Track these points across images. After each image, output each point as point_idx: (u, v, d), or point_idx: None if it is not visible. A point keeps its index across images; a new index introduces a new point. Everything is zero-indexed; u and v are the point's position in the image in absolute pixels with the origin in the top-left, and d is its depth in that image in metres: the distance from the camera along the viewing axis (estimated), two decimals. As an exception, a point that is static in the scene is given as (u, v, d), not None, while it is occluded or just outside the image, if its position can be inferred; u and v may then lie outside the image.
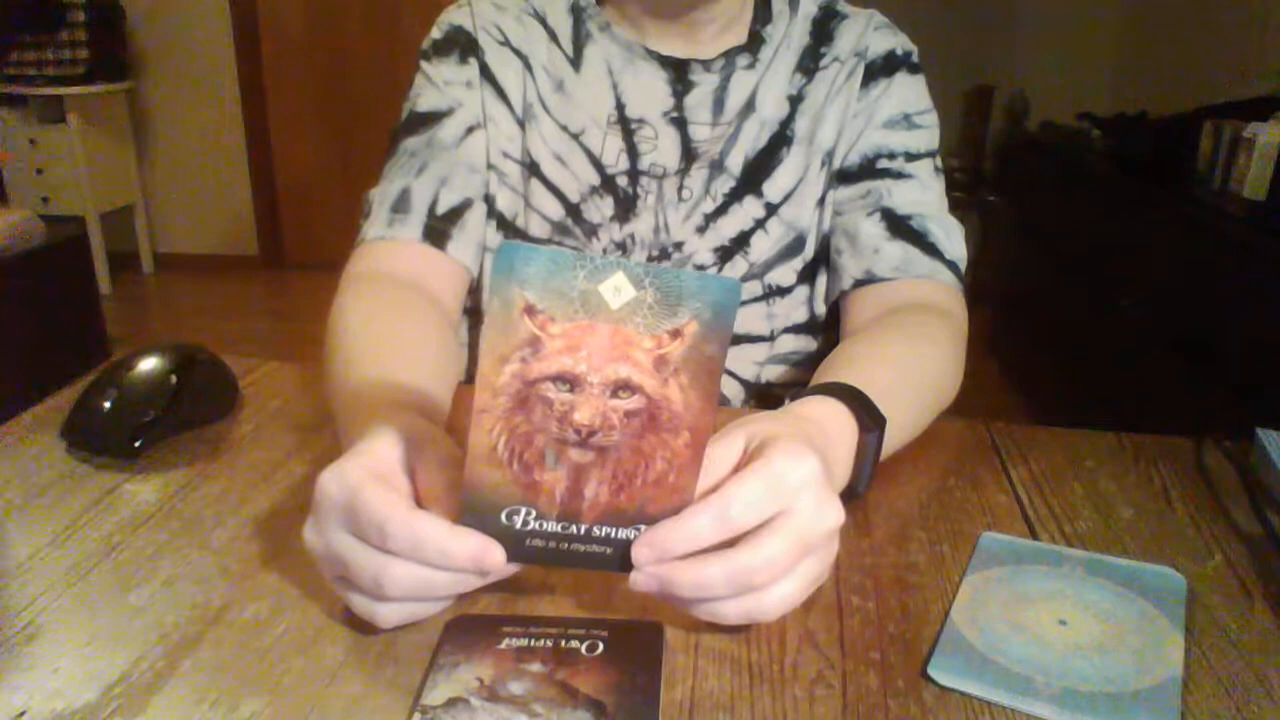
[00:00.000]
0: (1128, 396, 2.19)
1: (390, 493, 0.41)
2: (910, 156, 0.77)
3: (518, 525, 0.42)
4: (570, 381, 0.39)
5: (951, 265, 0.75)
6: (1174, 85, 2.97)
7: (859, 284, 0.75)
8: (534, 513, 0.42)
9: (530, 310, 0.38)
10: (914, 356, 0.64)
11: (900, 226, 0.75)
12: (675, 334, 0.39)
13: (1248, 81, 2.46)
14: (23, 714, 0.38)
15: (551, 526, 0.42)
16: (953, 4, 3.53)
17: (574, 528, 0.42)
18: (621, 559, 0.43)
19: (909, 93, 0.79)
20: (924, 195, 0.77)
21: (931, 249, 0.75)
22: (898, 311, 0.71)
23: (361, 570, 0.41)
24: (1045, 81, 3.55)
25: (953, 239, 0.76)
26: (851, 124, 0.78)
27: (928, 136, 0.78)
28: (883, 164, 0.77)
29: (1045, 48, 3.62)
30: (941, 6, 3.49)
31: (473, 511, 0.41)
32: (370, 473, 0.42)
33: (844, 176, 0.78)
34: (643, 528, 0.42)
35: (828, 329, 0.82)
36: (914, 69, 0.79)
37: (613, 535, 0.43)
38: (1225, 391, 1.78)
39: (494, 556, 0.41)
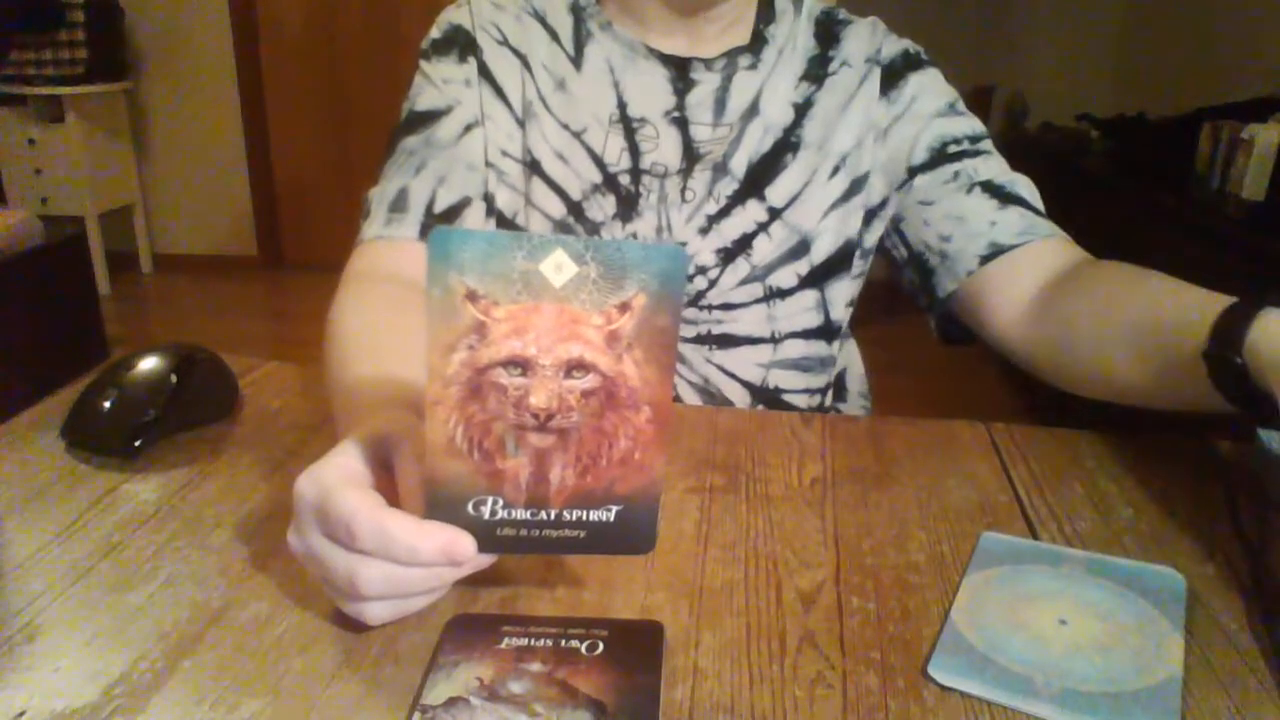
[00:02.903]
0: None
1: (359, 492, 0.41)
2: (973, 139, 0.78)
3: (485, 515, 0.41)
4: (522, 365, 0.39)
5: (1054, 223, 0.76)
6: (1173, 86, 2.97)
7: (986, 260, 0.74)
8: (500, 501, 0.41)
9: (472, 296, 0.37)
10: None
11: (1004, 195, 0.76)
12: (624, 308, 0.38)
13: (1246, 82, 2.46)
14: (23, 714, 0.38)
15: (520, 514, 0.42)
16: (952, 4, 3.54)
17: (544, 513, 0.42)
18: (596, 541, 0.42)
19: (938, 85, 0.80)
20: (1006, 168, 0.78)
21: (1037, 211, 0.76)
22: (1082, 265, 0.70)
23: (336, 571, 0.41)
24: (1044, 82, 3.55)
25: (1040, 201, 0.77)
26: (897, 128, 0.78)
27: (976, 122, 0.80)
28: (953, 149, 0.77)
29: (1045, 48, 3.62)
30: (941, 7, 3.50)
31: (438, 505, 0.41)
32: (343, 474, 0.42)
33: (917, 170, 0.78)
34: (614, 508, 0.42)
35: (855, 329, 0.82)
36: (931, 64, 0.81)
37: (584, 518, 0.42)
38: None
39: (463, 547, 0.40)
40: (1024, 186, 0.77)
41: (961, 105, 0.80)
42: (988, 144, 0.79)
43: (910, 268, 0.81)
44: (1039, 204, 0.77)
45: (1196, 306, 0.54)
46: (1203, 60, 2.94)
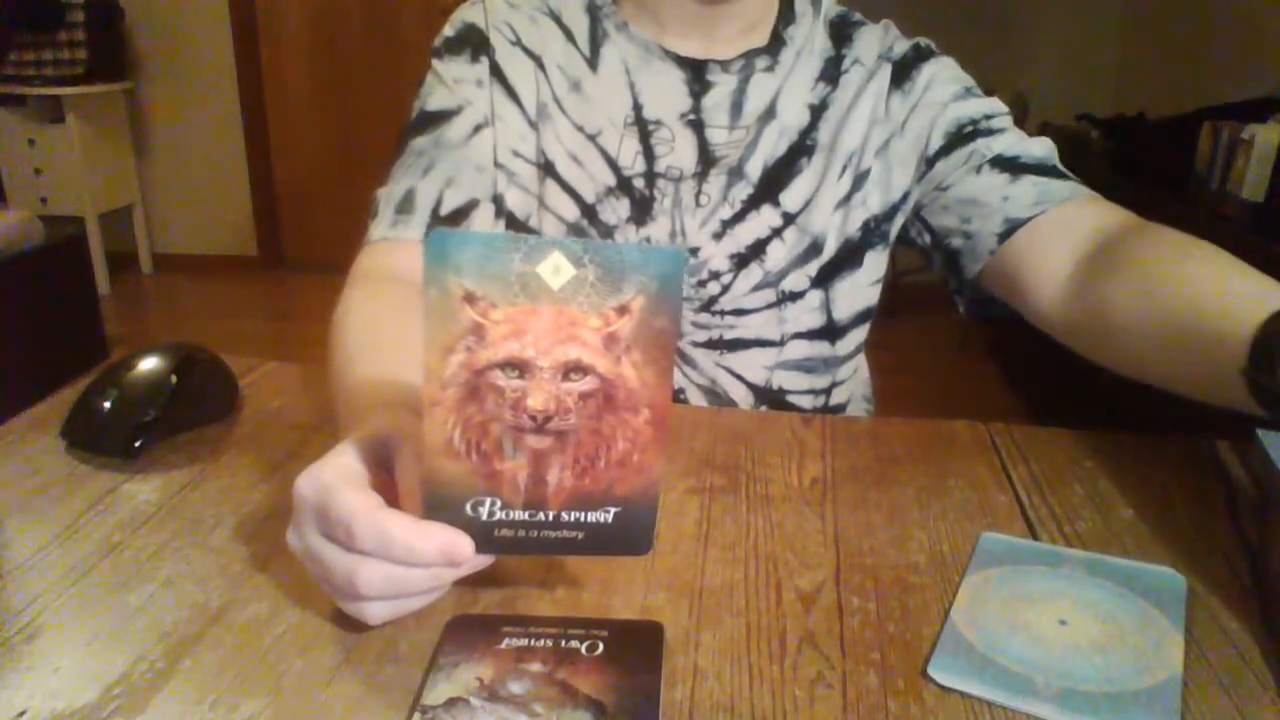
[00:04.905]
0: (1128, 396, 2.19)
1: (359, 493, 0.41)
2: (989, 117, 0.77)
3: (484, 516, 0.41)
4: (519, 367, 0.39)
5: (1079, 180, 0.75)
6: (1173, 86, 2.97)
7: (1004, 237, 0.73)
8: (499, 503, 0.41)
9: (470, 297, 0.37)
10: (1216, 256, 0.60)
11: (1015, 165, 0.75)
12: (622, 310, 0.38)
13: (1246, 82, 2.46)
14: (23, 714, 0.38)
15: (518, 515, 0.42)
16: (952, 5, 3.53)
17: (541, 515, 0.42)
18: (594, 542, 0.42)
19: (951, 73, 0.80)
20: (1020, 139, 0.77)
21: (1054, 171, 0.75)
22: (1123, 235, 0.67)
23: (335, 571, 0.41)
24: (1044, 83, 3.54)
25: (1056, 159, 0.76)
26: (913, 120, 0.78)
27: (993, 102, 0.79)
28: (968, 129, 0.77)
29: (1045, 48, 3.62)
30: (941, 7, 3.49)
31: (437, 506, 0.41)
32: (342, 474, 0.42)
33: (935, 159, 0.77)
34: (613, 510, 0.42)
35: (854, 327, 0.81)
36: (944, 55, 0.81)
37: (583, 519, 0.42)
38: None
39: (461, 548, 0.40)
40: (1040, 148, 0.76)
41: (978, 90, 0.79)
42: (1002, 120, 0.78)
43: (936, 253, 0.80)
44: (1055, 163, 0.75)
45: (1234, 313, 0.51)
46: (1203, 60, 2.94)
